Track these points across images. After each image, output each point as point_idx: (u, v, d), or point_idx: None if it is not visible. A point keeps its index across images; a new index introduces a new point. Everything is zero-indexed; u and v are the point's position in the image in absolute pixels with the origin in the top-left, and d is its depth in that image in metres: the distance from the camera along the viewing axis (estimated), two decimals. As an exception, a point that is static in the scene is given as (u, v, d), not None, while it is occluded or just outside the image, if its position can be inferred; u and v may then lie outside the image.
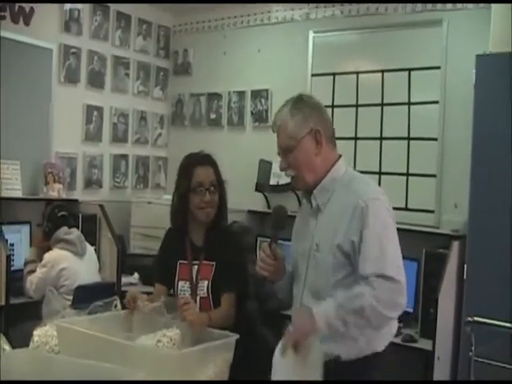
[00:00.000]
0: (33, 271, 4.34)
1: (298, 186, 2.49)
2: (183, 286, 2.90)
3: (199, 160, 2.96)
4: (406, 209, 4.68)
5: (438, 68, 4.65)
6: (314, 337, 2.12)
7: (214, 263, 2.88)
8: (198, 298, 2.84)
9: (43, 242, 4.47)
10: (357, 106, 5.08)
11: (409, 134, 4.80)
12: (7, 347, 2.39)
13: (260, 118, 5.73)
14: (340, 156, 2.44)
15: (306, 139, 2.34)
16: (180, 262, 2.94)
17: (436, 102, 4.67)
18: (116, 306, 2.81)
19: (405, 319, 3.94)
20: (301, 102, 2.40)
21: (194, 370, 2.23)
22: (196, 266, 2.90)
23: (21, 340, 2.68)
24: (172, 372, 2.14)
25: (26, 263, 4.46)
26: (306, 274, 2.39)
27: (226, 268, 2.85)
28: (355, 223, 2.23)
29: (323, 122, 2.38)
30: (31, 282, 4.30)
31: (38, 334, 2.55)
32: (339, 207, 2.30)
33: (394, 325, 2.40)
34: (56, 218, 4.49)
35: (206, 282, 2.86)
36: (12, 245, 4.61)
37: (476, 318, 3.30)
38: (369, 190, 2.32)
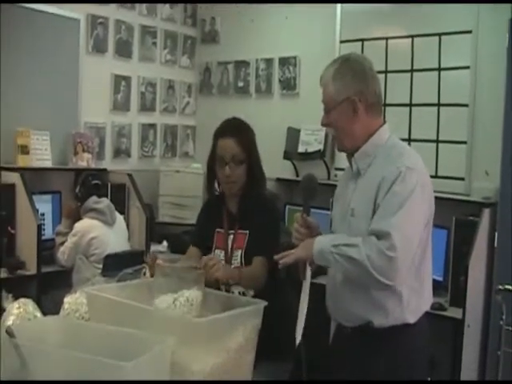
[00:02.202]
0: (64, 242, 4.41)
1: (338, 147, 2.48)
2: (219, 255, 2.88)
3: (222, 131, 2.89)
4: (436, 176, 4.61)
5: (470, 32, 4.54)
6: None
7: (247, 232, 2.85)
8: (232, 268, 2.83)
9: (75, 208, 4.52)
10: (386, 72, 5.00)
11: (439, 100, 4.71)
12: (38, 314, 2.42)
13: (288, 85, 5.68)
14: (384, 122, 2.41)
15: (342, 105, 2.32)
16: (217, 230, 2.92)
17: (467, 68, 4.57)
18: (145, 274, 2.82)
19: (435, 287, 3.91)
20: (346, 66, 2.36)
21: (222, 337, 2.23)
22: (232, 236, 2.88)
23: (52, 307, 2.72)
24: (201, 338, 2.15)
25: (57, 234, 4.53)
26: None
27: (260, 235, 2.81)
28: (385, 187, 2.21)
29: (365, 91, 2.33)
30: (63, 252, 4.37)
31: (68, 301, 2.58)
32: (378, 174, 2.28)
33: (427, 298, 2.39)
34: (90, 185, 4.56)
35: (239, 251, 2.84)
36: (42, 214, 4.68)
37: (507, 287, 3.28)
38: (407, 159, 2.28)
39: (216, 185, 3.00)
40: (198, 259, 2.92)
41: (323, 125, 2.43)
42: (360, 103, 2.31)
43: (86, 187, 4.54)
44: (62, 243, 4.41)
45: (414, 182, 2.21)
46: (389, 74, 4.99)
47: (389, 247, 2.10)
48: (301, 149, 5.34)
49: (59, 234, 4.50)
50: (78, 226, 4.38)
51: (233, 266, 2.82)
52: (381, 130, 2.37)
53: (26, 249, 4.33)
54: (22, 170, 4.51)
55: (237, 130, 2.89)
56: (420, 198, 2.22)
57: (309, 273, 2.39)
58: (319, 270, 2.49)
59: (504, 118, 3.87)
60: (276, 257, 2.35)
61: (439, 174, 4.65)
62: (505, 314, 3.25)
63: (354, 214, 2.31)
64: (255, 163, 2.90)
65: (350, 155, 2.41)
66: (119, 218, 4.66)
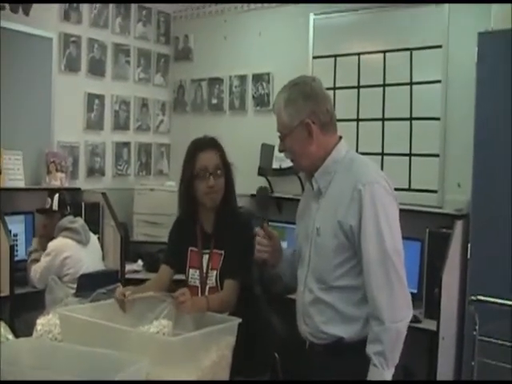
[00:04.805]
0: (37, 260, 4.37)
1: (297, 169, 2.53)
2: (193, 274, 2.86)
3: (202, 145, 2.88)
4: (410, 189, 4.66)
5: (440, 47, 4.60)
6: None
7: (222, 252, 2.83)
8: (207, 288, 2.81)
9: (47, 224, 4.50)
10: (359, 87, 5.05)
11: (411, 114, 4.76)
12: (10, 337, 2.40)
13: (261, 101, 5.71)
14: (340, 138, 2.43)
15: (297, 130, 2.34)
16: (191, 248, 2.89)
17: (438, 82, 4.63)
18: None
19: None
20: (295, 90, 2.38)
21: (196, 355, 2.23)
22: (207, 255, 2.85)
23: (25, 330, 2.70)
24: (175, 357, 2.15)
25: (29, 253, 4.48)
26: (310, 257, 2.39)
27: (233, 256, 2.79)
28: (353, 207, 2.24)
29: (318, 111, 2.35)
30: (35, 271, 4.33)
31: (41, 322, 2.56)
32: (340, 190, 2.31)
33: None
34: (63, 205, 4.52)
35: (215, 272, 2.81)
36: (15, 235, 4.64)
37: (479, 297, 3.31)
38: (368, 172, 2.31)
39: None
40: (170, 278, 2.92)
41: (281, 151, 2.46)
42: (314, 125, 2.33)
43: (59, 206, 4.52)
44: (34, 260, 4.38)
45: (382, 195, 2.25)
46: (361, 89, 5.05)
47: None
48: (275, 165, 5.34)
49: (31, 252, 4.48)
50: (52, 244, 4.34)
51: (208, 286, 2.81)
52: (338, 146, 2.40)
53: (-1, 270, 4.28)
54: (-6, 190, 4.47)
55: (215, 144, 2.90)
56: (389, 206, 2.26)
57: None
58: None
59: (475, 131, 3.91)
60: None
61: (412, 187, 4.69)
62: (478, 324, 3.28)
63: (319, 234, 2.33)
64: (231, 178, 2.90)
65: (310, 175, 2.43)
66: (93, 237, 4.62)
